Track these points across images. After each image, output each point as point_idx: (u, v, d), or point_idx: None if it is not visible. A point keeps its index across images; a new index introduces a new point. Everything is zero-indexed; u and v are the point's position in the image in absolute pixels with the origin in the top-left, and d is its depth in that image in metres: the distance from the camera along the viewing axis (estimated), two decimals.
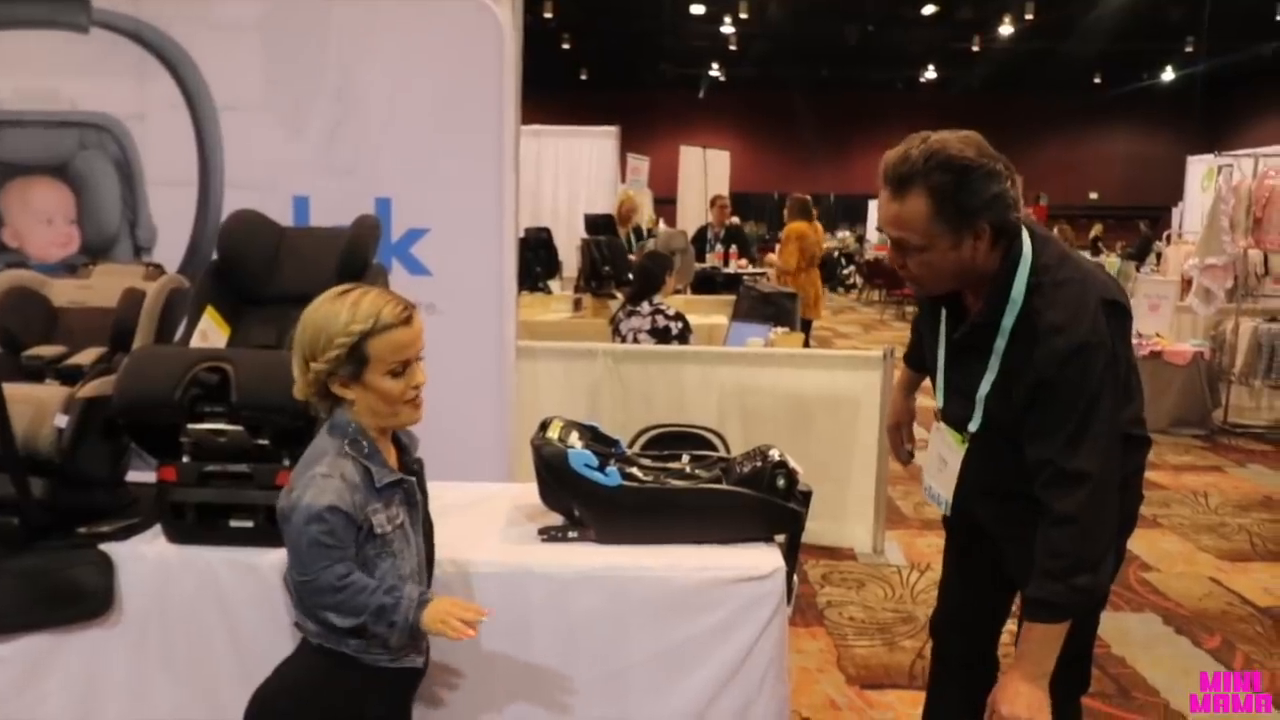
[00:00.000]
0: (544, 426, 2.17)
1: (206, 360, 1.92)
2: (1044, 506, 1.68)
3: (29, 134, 3.43)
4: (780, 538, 2.12)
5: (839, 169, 23.41)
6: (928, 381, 2.10)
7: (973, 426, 1.82)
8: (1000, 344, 1.72)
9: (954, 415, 1.89)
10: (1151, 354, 6.66)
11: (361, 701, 1.70)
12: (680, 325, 4.42)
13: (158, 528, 2.01)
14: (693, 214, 9.88)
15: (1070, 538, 1.65)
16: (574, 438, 2.14)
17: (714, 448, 2.50)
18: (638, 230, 7.00)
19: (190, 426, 1.91)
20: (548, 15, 15.65)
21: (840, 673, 3.25)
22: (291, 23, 3.35)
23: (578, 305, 6.06)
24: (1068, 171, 22.65)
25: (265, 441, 1.92)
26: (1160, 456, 6.13)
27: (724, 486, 2.05)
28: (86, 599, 1.92)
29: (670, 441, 2.53)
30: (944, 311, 1.86)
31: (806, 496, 2.12)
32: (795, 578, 2.16)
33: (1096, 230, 17.27)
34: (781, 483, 2.06)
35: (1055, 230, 10.67)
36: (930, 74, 21.46)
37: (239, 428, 1.91)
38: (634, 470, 2.13)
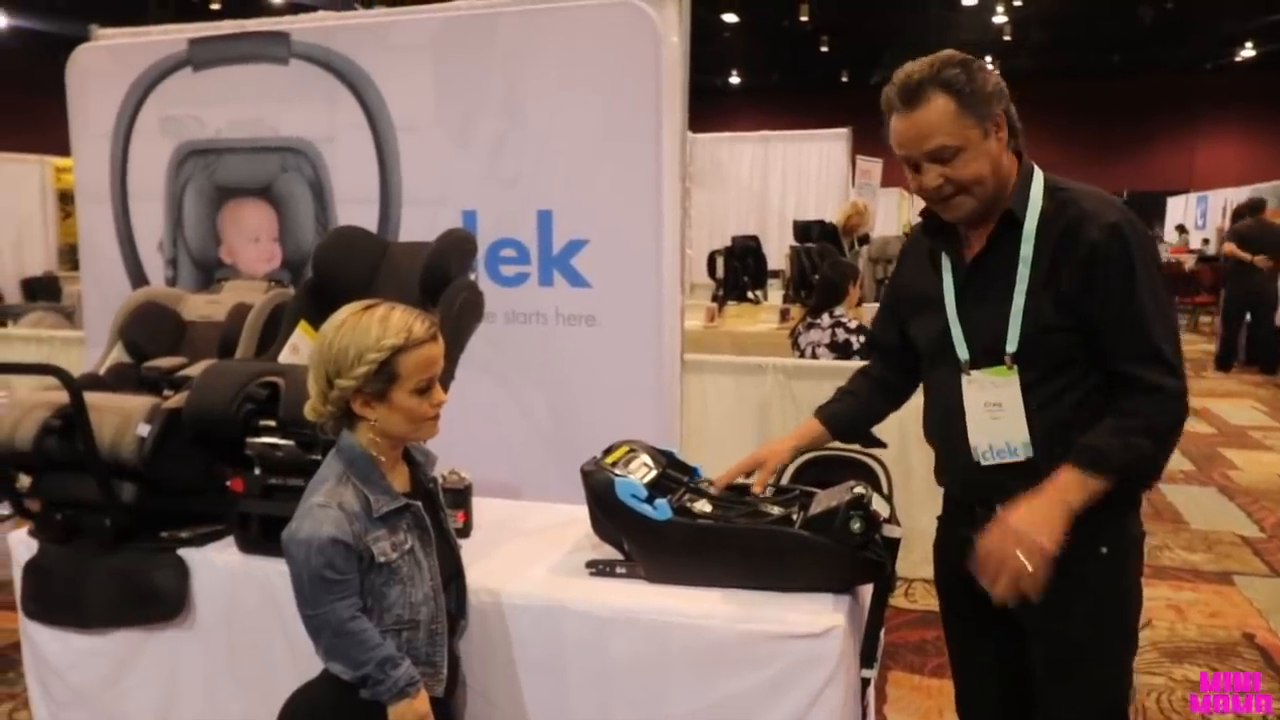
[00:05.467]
0: (607, 452, 2.02)
1: (262, 375, 1.96)
2: (1124, 387, 1.62)
3: (240, 160, 3.77)
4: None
5: (1134, 163, 21.09)
6: None
7: (1010, 347, 1.67)
8: (1027, 250, 1.66)
9: (985, 355, 1.71)
10: None
11: None
12: (862, 339, 4.08)
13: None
14: None
15: (1147, 403, 1.59)
16: (636, 464, 1.98)
17: (875, 477, 2.25)
18: (863, 238, 6.63)
19: (249, 440, 1.95)
20: (804, 19, 15.35)
21: None
22: (460, 39, 3.43)
23: (784, 315, 5.80)
24: None
25: (318, 457, 1.93)
26: None
27: (782, 528, 1.81)
28: (162, 601, 2.02)
29: (823, 467, 2.29)
30: (946, 260, 1.78)
31: (893, 544, 1.83)
32: (882, 636, 1.89)
33: None
34: (857, 527, 1.78)
35: None
36: (1247, 51, 18.83)
37: (291, 443, 1.93)
38: (699, 504, 1.94)
